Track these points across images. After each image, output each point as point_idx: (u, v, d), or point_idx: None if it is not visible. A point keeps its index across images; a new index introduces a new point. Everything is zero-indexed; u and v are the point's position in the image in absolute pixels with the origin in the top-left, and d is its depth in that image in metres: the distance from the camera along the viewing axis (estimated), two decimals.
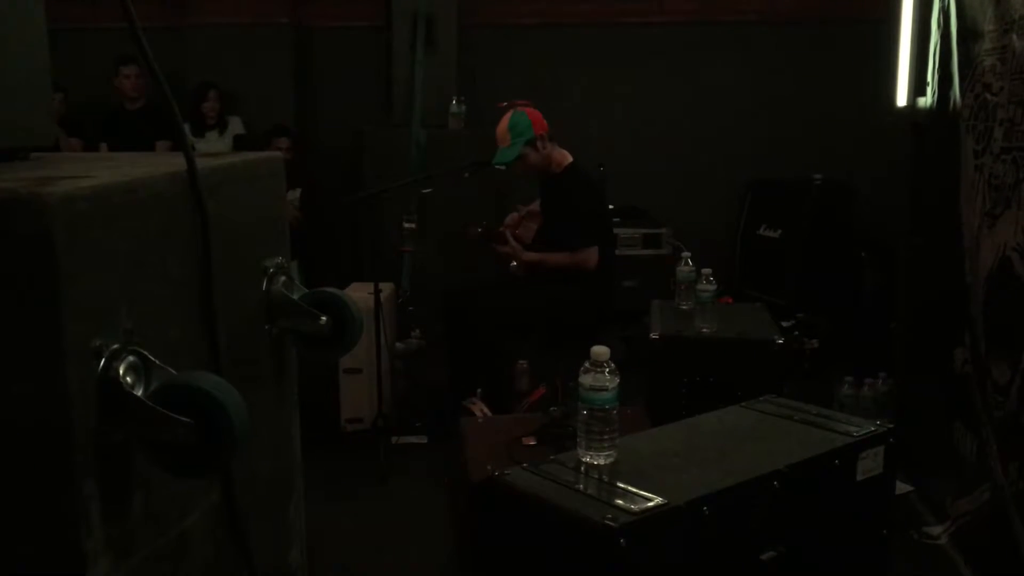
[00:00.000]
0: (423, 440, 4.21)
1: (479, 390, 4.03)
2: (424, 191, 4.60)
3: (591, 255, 4.09)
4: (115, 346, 0.91)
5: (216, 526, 1.15)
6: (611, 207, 4.72)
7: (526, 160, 4.15)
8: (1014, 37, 2.65)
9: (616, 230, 4.94)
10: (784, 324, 4.69)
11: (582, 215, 4.13)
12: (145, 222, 0.99)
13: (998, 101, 2.79)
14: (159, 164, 1.11)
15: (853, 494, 2.12)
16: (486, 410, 3.91)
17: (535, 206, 4.46)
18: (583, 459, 1.94)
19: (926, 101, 3.69)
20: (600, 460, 1.92)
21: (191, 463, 0.94)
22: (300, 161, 5.60)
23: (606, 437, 1.92)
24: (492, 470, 2.07)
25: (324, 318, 1.30)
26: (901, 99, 3.89)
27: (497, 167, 4.24)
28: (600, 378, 1.88)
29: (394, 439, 4.08)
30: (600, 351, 1.89)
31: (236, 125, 5.90)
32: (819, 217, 5.55)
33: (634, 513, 1.70)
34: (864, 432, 2.15)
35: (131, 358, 0.92)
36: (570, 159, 4.26)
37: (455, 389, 4.18)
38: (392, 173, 4.87)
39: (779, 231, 5.70)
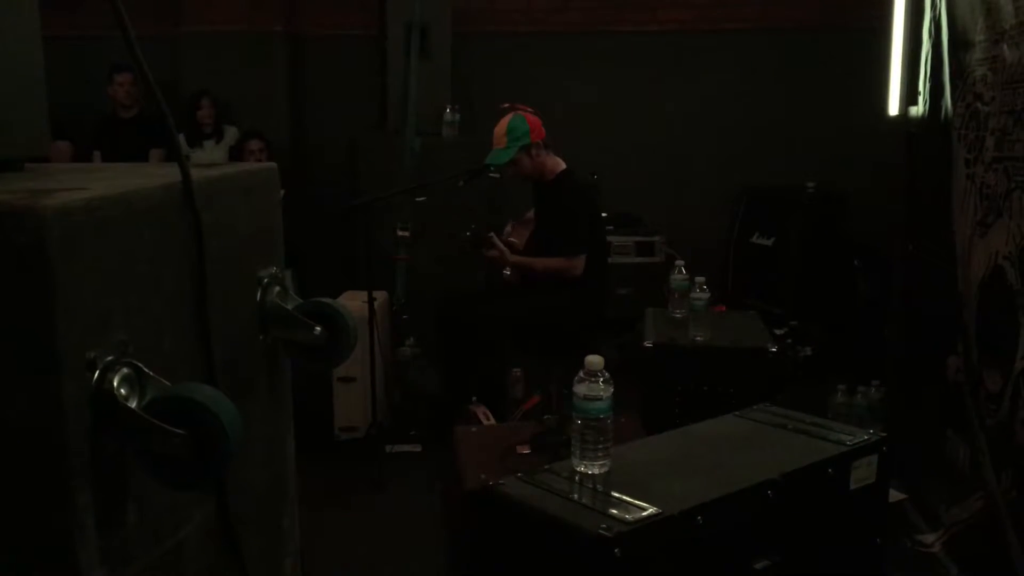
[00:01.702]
0: (417, 449, 4.21)
1: (473, 397, 4.03)
2: (418, 199, 4.60)
3: (578, 263, 4.09)
4: (109, 358, 0.91)
5: (211, 537, 1.15)
6: (604, 215, 4.73)
7: (518, 165, 4.16)
8: (1005, 47, 2.67)
9: (609, 238, 4.95)
10: (777, 332, 4.69)
11: (573, 221, 4.14)
12: (140, 234, 0.99)
13: (989, 111, 2.81)
14: (154, 175, 1.11)
15: (846, 503, 2.13)
16: (489, 414, 3.90)
17: (530, 214, 4.47)
18: (577, 468, 1.94)
19: (918, 110, 3.71)
20: (594, 469, 1.93)
21: (186, 474, 0.94)
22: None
23: (600, 446, 1.92)
24: (486, 479, 2.07)
25: (318, 328, 1.30)
26: (893, 108, 3.91)
27: (491, 173, 4.25)
28: (594, 387, 1.89)
29: (388, 448, 4.08)
30: (594, 360, 1.89)
31: (232, 134, 5.89)
32: (812, 225, 5.56)
33: (628, 523, 1.71)
34: (857, 441, 2.16)
35: (126, 370, 0.92)
36: (563, 166, 4.27)
37: (449, 397, 4.18)
38: (386, 181, 4.87)
39: (772, 239, 5.71)
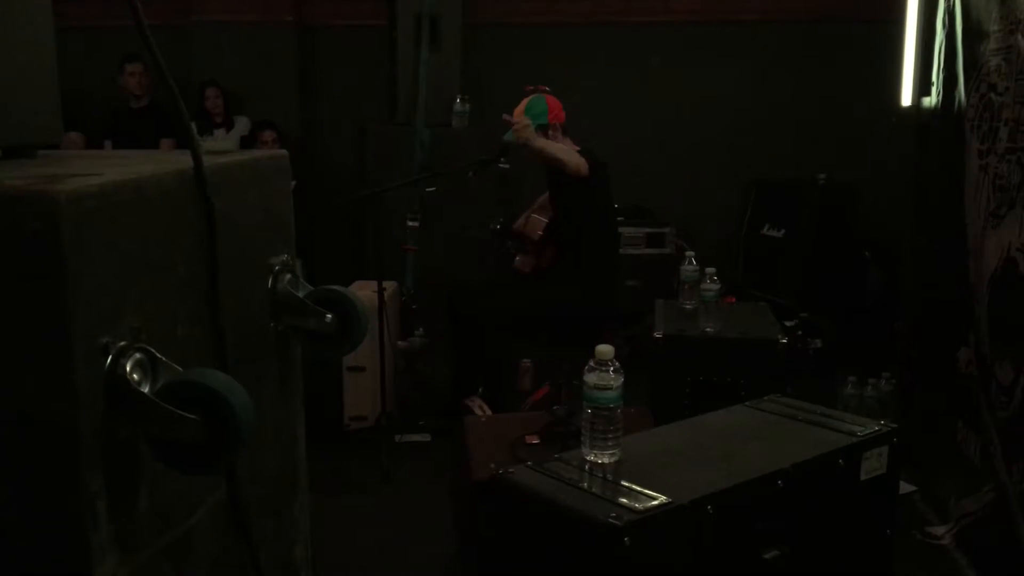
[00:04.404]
0: (426, 438, 4.22)
1: (480, 389, 4.03)
2: (428, 190, 4.60)
3: (583, 162, 3.99)
4: (122, 343, 0.91)
5: (222, 523, 1.15)
6: (615, 206, 4.72)
7: None
8: (1019, 37, 2.65)
9: (620, 229, 4.94)
10: (787, 324, 4.68)
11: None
12: (152, 220, 0.99)
13: (1003, 101, 2.79)
14: (166, 162, 1.12)
15: (857, 494, 2.12)
16: (486, 408, 3.91)
17: (544, 198, 4.45)
18: (587, 458, 1.94)
19: (931, 101, 3.68)
20: (604, 459, 1.93)
21: (198, 460, 0.94)
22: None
23: (610, 436, 1.92)
24: (495, 469, 2.07)
25: (329, 316, 1.30)
26: (906, 99, 3.89)
27: (501, 164, 4.24)
28: (605, 377, 1.89)
29: (397, 437, 4.09)
30: (605, 350, 1.89)
31: (243, 124, 5.90)
32: (823, 217, 5.54)
33: (638, 512, 1.71)
34: (868, 432, 2.16)
35: (138, 355, 0.93)
36: (578, 150, 4.25)
37: (458, 388, 4.18)
38: (396, 171, 4.88)
39: (783, 231, 5.70)
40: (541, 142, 4.05)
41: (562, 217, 4.25)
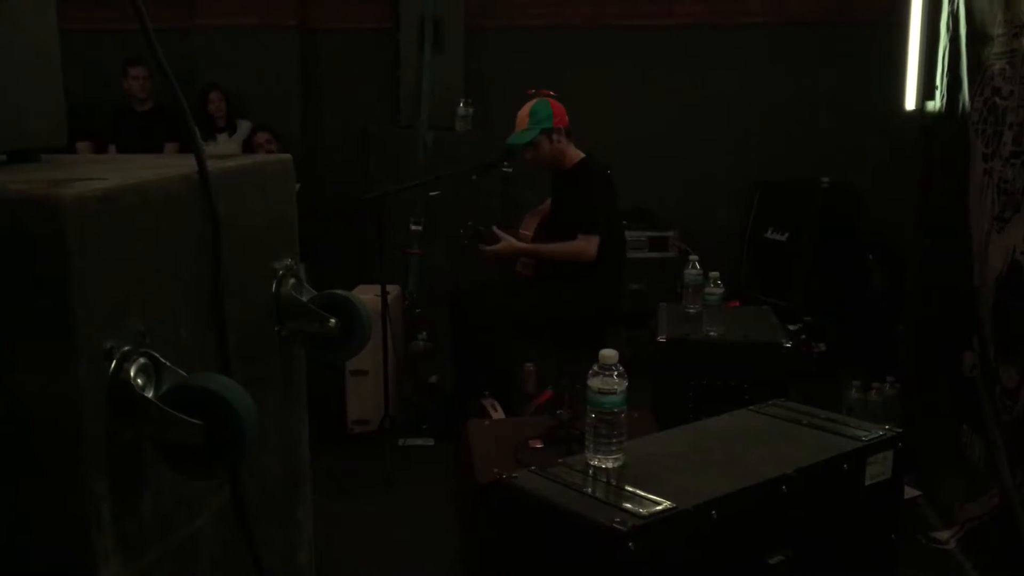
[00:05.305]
0: (429, 442, 4.21)
1: (484, 392, 4.03)
2: (431, 193, 4.60)
3: (589, 244, 4.03)
4: (126, 348, 0.91)
5: (225, 527, 1.15)
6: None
7: (538, 148, 4.15)
8: None
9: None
10: (791, 327, 4.67)
11: (589, 204, 4.09)
12: (156, 224, 0.99)
13: (1008, 105, 2.79)
14: (170, 166, 1.12)
15: (861, 498, 2.12)
16: (497, 406, 3.90)
17: (544, 205, 4.45)
18: (591, 462, 1.94)
19: (935, 105, 3.68)
20: (608, 463, 1.92)
21: (201, 464, 0.94)
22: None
23: (614, 440, 1.92)
24: (499, 473, 2.07)
25: (333, 320, 1.30)
26: (910, 103, 3.88)
27: (504, 168, 4.25)
28: (608, 381, 1.88)
29: (400, 441, 4.08)
30: (609, 354, 1.89)
31: (245, 128, 5.90)
32: (826, 220, 5.54)
33: (642, 516, 1.70)
34: (872, 436, 2.15)
35: (142, 360, 0.93)
36: (582, 156, 4.26)
37: (461, 391, 4.17)
38: (399, 175, 4.87)
39: (786, 234, 5.69)
40: (525, 247, 4.22)
41: (566, 220, 4.25)
